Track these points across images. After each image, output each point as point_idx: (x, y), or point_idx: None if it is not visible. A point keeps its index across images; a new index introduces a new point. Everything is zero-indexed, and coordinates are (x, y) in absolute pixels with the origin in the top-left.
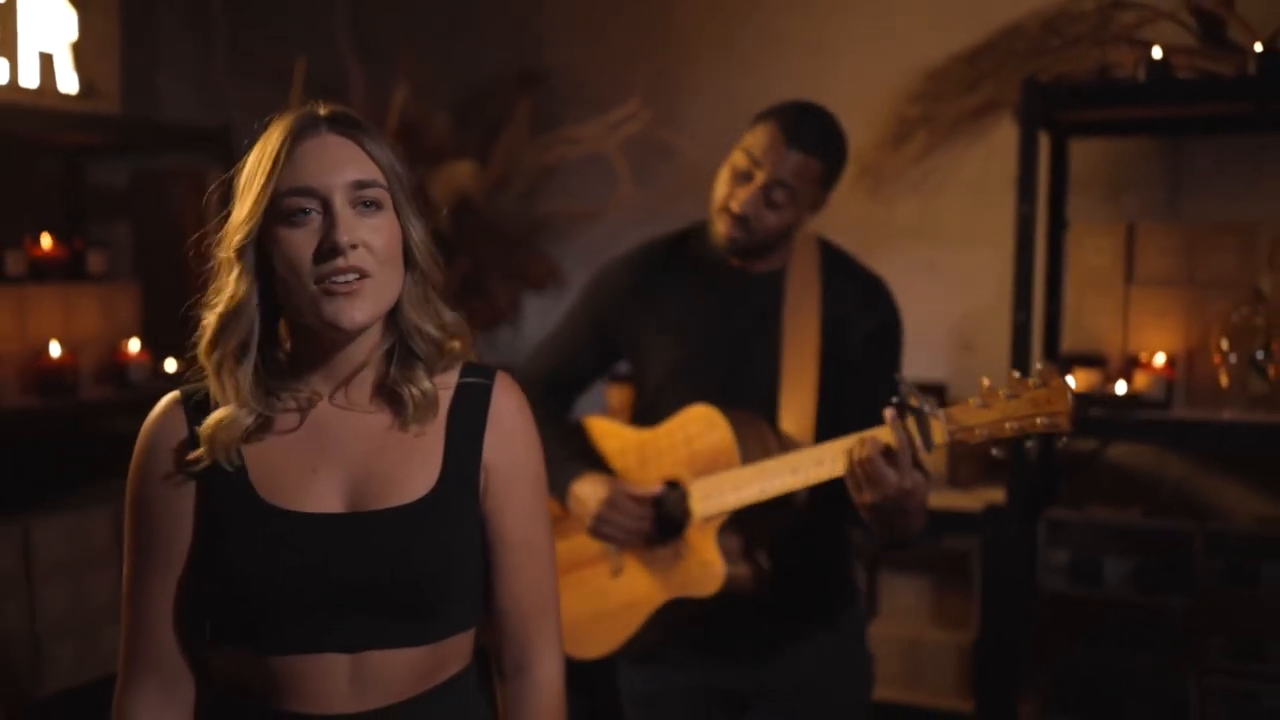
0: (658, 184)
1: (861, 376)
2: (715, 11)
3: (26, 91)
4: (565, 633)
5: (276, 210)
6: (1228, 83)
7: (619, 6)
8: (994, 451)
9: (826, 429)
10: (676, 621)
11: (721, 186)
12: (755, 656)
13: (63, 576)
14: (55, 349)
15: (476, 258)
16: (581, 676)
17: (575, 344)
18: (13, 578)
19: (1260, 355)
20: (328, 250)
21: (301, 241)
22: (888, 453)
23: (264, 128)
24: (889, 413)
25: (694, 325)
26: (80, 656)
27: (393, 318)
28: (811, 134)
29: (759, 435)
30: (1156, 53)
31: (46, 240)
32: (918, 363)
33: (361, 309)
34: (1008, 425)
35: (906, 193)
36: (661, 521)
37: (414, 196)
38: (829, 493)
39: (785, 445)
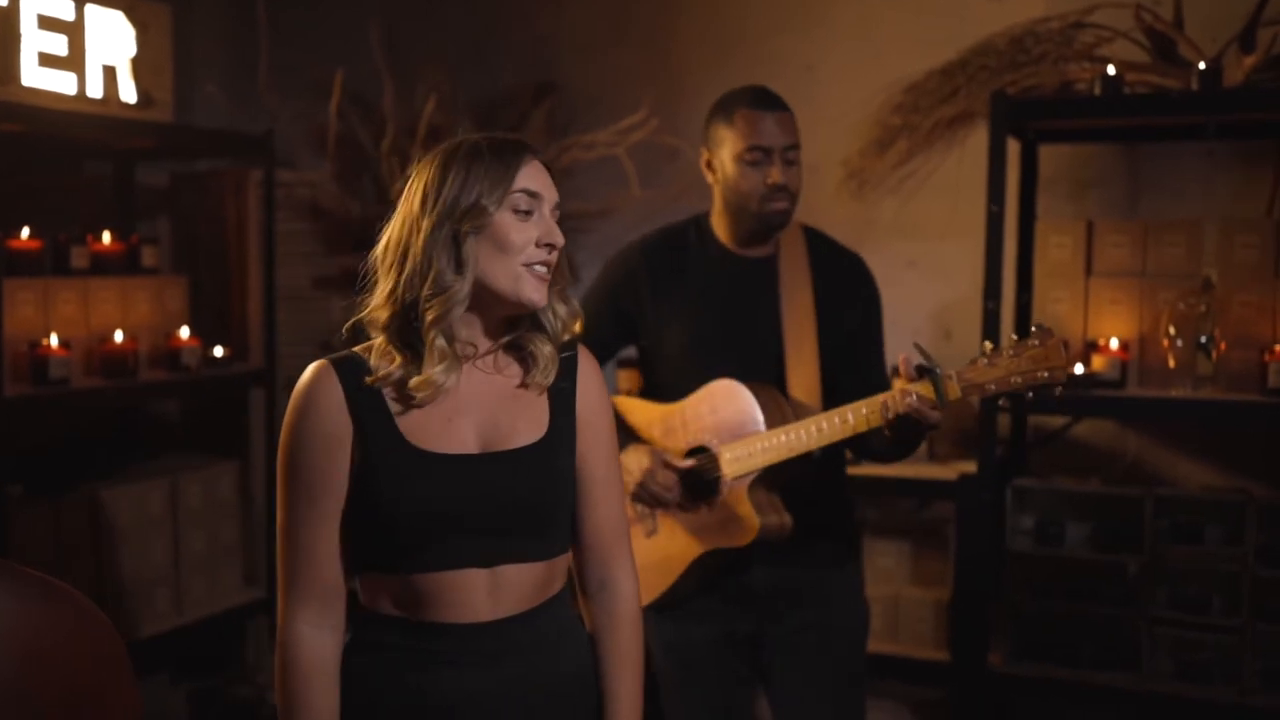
0: (662, 185)
1: (858, 345)
2: (715, 32)
3: (92, 101)
4: None
5: (507, 203)
6: (1173, 98)
7: (628, 26)
8: (1000, 403)
9: (828, 394)
10: (709, 573)
11: (746, 182)
12: (767, 603)
13: (125, 541)
14: (119, 335)
15: None
16: None
17: (594, 322)
18: (82, 542)
19: (1204, 340)
20: (548, 243)
21: (526, 227)
22: (921, 398)
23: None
24: (908, 368)
25: (703, 308)
26: (139, 614)
27: None
28: (770, 96)
29: (777, 402)
30: (1110, 70)
31: (107, 237)
32: (900, 349)
33: (543, 296)
34: (1013, 379)
35: (888, 194)
36: (693, 485)
37: None
38: (836, 458)
39: (796, 410)
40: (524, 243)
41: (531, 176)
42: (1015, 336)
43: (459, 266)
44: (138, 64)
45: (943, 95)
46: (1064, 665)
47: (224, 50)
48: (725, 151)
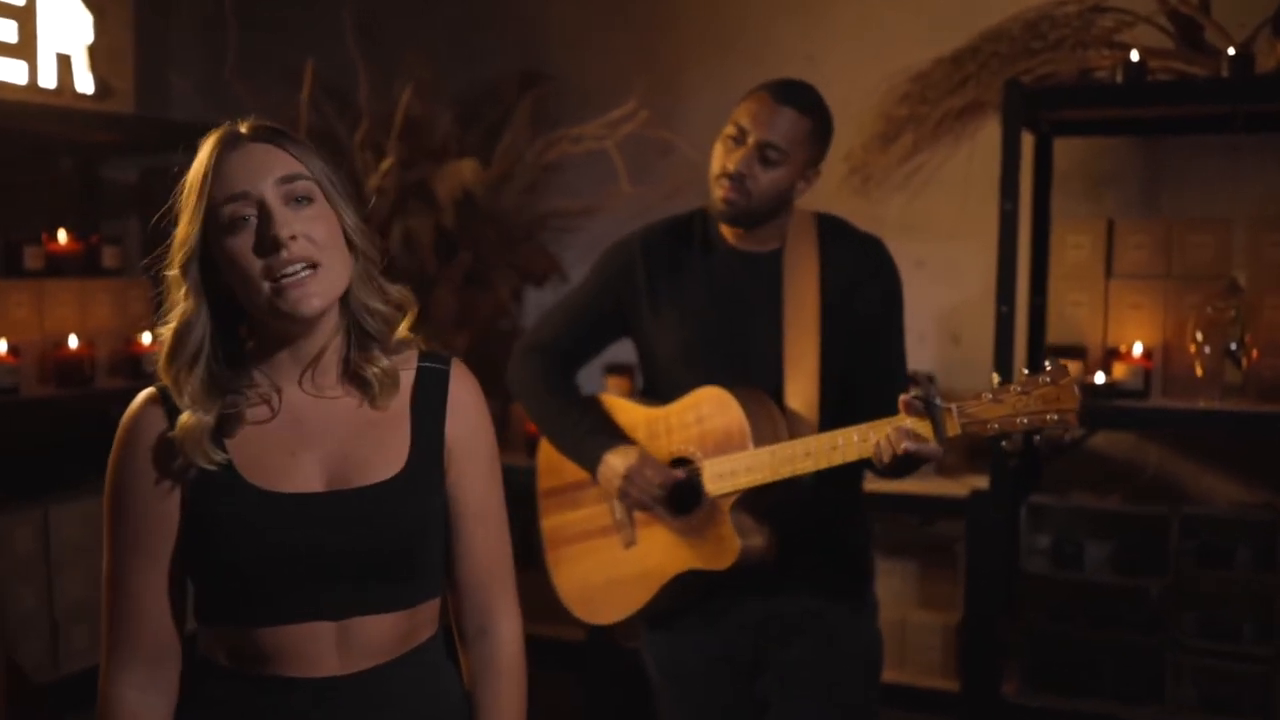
0: (655, 181)
1: (873, 337)
2: (711, 20)
3: (45, 92)
4: (579, 599)
5: (216, 223)
6: (1201, 85)
7: (620, 13)
8: (1004, 444)
9: (831, 402)
10: (688, 592)
11: (716, 158)
12: (762, 631)
13: (79, 560)
14: (73, 341)
15: (479, 252)
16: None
17: (585, 316)
18: (32, 561)
19: (1234, 346)
20: (270, 245)
21: (245, 246)
22: (917, 437)
23: (193, 153)
24: (908, 401)
25: (700, 306)
26: (95, 638)
27: (344, 300)
28: (797, 93)
29: (769, 416)
30: (1134, 56)
31: (63, 236)
32: (907, 353)
33: (318, 295)
34: (1019, 420)
35: (894, 191)
36: (674, 495)
37: (345, 190)
38: (843, 475)
39: (792, 422)
40: (250, 260)
41: (232, 176)
42: (1026, 371)
43: (187, 295)
44: (95, 52)
45: (952, 85)
46: (1082, 695)
47: (190, 36)
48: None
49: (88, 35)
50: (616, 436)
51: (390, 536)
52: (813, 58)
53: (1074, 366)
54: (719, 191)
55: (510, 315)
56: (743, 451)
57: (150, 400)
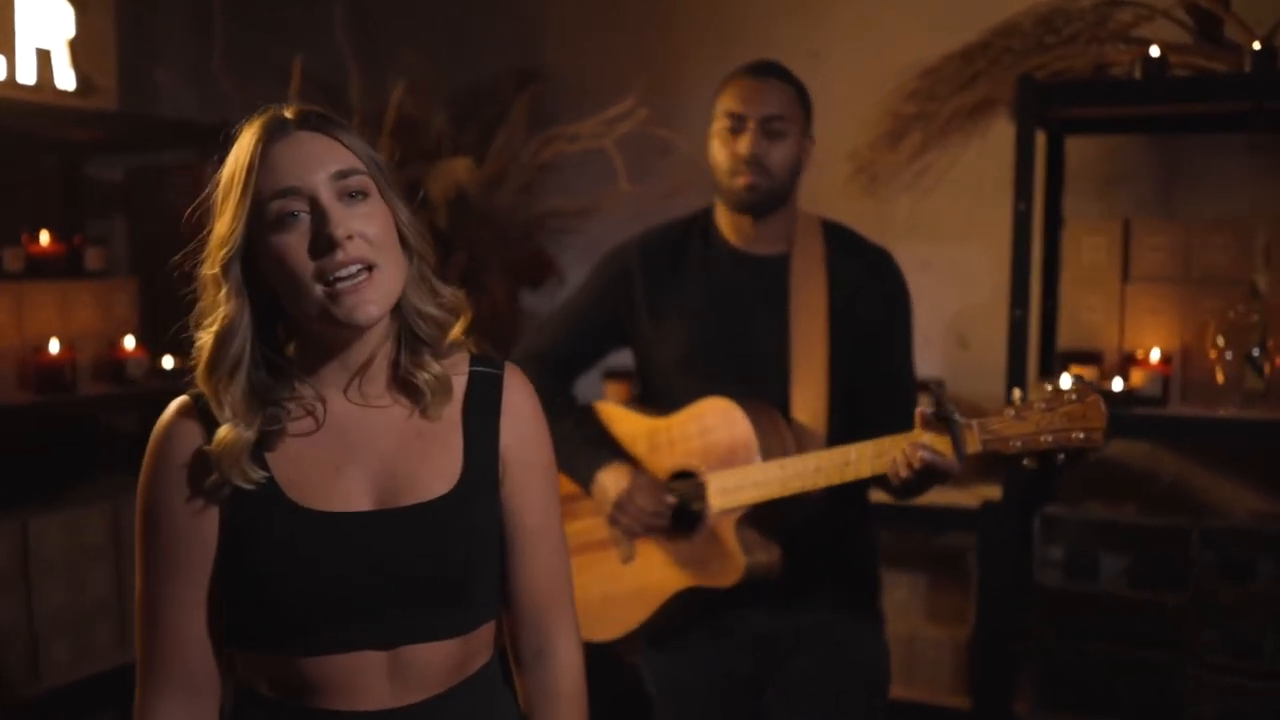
0: (654, 181)
1: (877, 349)
2: (712, 18)
3: (24, 88)
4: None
5: (262, 219)
6: (1223, 81)
7: (619, 10)
8: (1025, 463)
9: (839, 413)
10: (689, 609)
11: (719, 153)
12: (765, 646)
13: (60, 573)
14: (54, 345)
15: (474, 253)
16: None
17: (583, 323)
18: (10, 574)
19: (1256, 352)
20: (324, 245)
21: (296, 245)
22: (935, 451)
23: (232, 140)
24: (926, 415)
25: (703, 312)
26: (77, 653)
27: (396, 303)
28: (771, 66)
29: (775, 429)
30: (1153, 51)
31: (45, 237)
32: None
33: (375, 302)
34: (1043, 438)
35: (902, 191)
36: (676, 511)
37: (396, 183)
38: (850, 487)
39: (798, 435)
40: (301, 261)
41: (281, 169)
42: (1049, 387)
43: (229, 296)
44: (76, 46)
45: (961, 81)
46: (1098, 713)
47: (176, 30)
48: (711, 127)
49: (69, 29)
50: (611, 451)
51: (444, 558)
52: (816, 54)
53: (1089, 372)
54: (740, 180)
55: (506, 318)
56: (749, 465)
57: (184, 410)
